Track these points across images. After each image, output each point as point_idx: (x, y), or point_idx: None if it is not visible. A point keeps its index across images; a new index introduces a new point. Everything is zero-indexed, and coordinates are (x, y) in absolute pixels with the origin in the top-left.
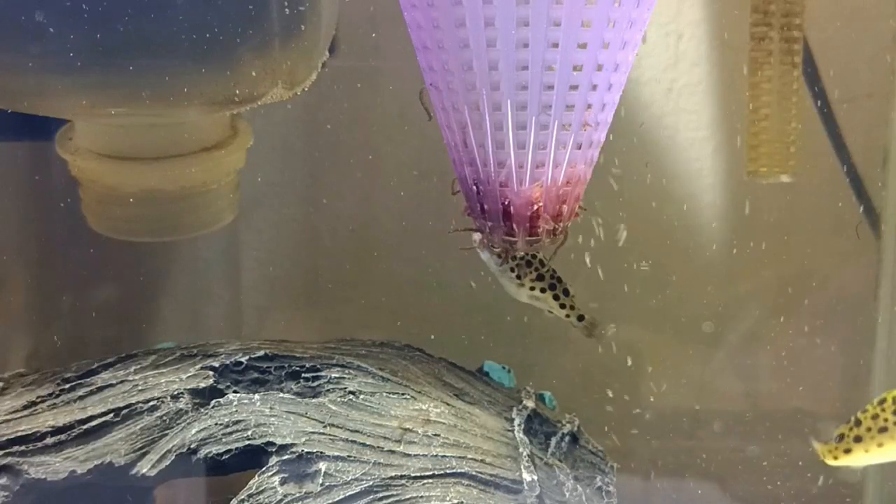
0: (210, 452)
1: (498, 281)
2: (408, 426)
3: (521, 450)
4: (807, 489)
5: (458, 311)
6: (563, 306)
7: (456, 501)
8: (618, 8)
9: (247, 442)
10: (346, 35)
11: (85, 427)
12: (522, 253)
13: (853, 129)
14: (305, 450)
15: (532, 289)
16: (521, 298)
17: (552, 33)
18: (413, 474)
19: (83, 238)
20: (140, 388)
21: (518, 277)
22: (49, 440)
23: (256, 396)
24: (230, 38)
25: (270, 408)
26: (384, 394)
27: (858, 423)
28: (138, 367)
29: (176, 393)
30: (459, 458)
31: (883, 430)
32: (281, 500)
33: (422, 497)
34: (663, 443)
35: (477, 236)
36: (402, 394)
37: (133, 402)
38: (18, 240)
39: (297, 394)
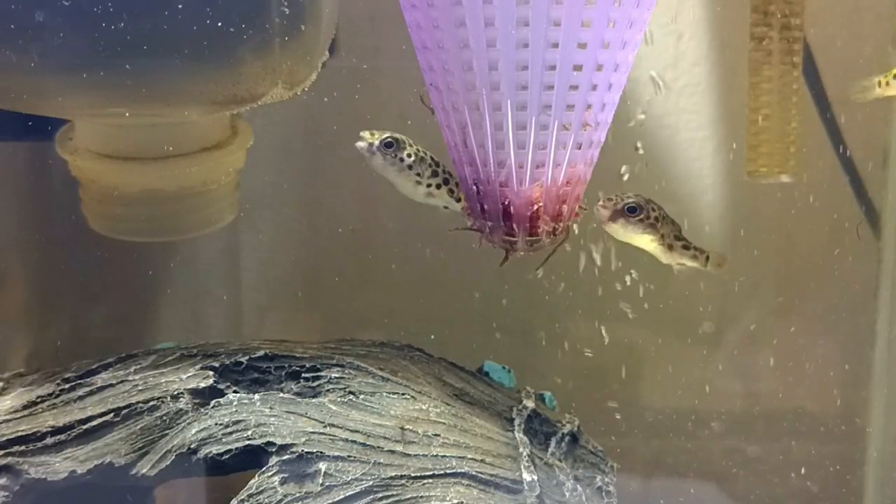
0: (210, 452)
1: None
2: (411, 426)
3: (521, 450)
4: (807, 489)
5: (458, 311)
6: (458, 200)
7: (456, 501)
8: (618, 8)
9: (247, 442)
10: (346, 35)
11: (85, 427)
12: (416, 149)
13: (853, 129)
14: (305, 450)
15: (429, 185)
16: (417, 198)
17: (552, 33)
18: (413, 474)
19: (83, 238)
20: (140, 388)
21: (418, 175)
22: (49, 440)
23: (256, 396)
24: (230, 38)
25: (270, 408)
26: (384, 394)
27: None
28: (138, 367)
29: (176, 393)
30: (459, 458)
31: None
32: (281, 500)
33: (422, 497)
34: (663, 443)
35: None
36: (402, 394)
37: (133, 402)
38: (18, 240)
39: (297, 394)
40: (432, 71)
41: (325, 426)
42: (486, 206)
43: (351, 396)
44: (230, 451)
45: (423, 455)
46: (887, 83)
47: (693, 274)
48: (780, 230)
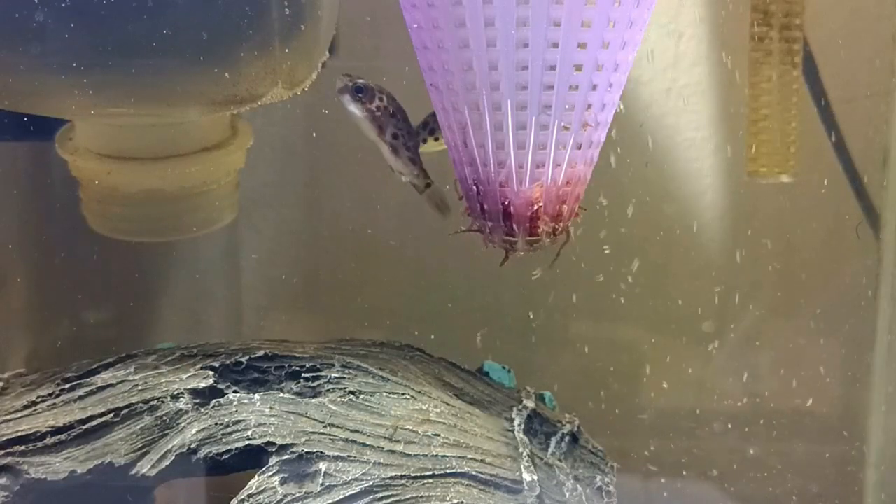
0: (210, 452)
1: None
2: (410, 427)
3: (521, 450)
4: (807, 489)
5: (458, 311)
6: (414, 163)
7: (456, 501)
8: (618, 8)
9: (247, 442)
10: (346, 35)
11: (85, 427)
12: (385, 103)
13: (853, 129)
14: (305, 450)
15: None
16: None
17: (552, 33)
18: (413, 474)
19: (83, 238)
20: (140, 388)
21: (380, 128)
22: (49, 440)
23: (256, 396)
24: (230, 38)
25: (270, 408)
26: (384, 394)
27: None
28: (138, 367)
29: (176, 393)
30: (459, 458)
31: None
32: (281, 500)
33: (422, 497)
34: (663, 443)
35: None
36: (402, 394)
37: (133, 402)
38: (18, 240)
39: (297, 394)
40: (432, 71)
41: (325, 426)
42: (486, 206)
43: (351, 396)
44: (230, 451)
45: (423, 455)
46: None
47: (693, 274)
48: (780, 230)
